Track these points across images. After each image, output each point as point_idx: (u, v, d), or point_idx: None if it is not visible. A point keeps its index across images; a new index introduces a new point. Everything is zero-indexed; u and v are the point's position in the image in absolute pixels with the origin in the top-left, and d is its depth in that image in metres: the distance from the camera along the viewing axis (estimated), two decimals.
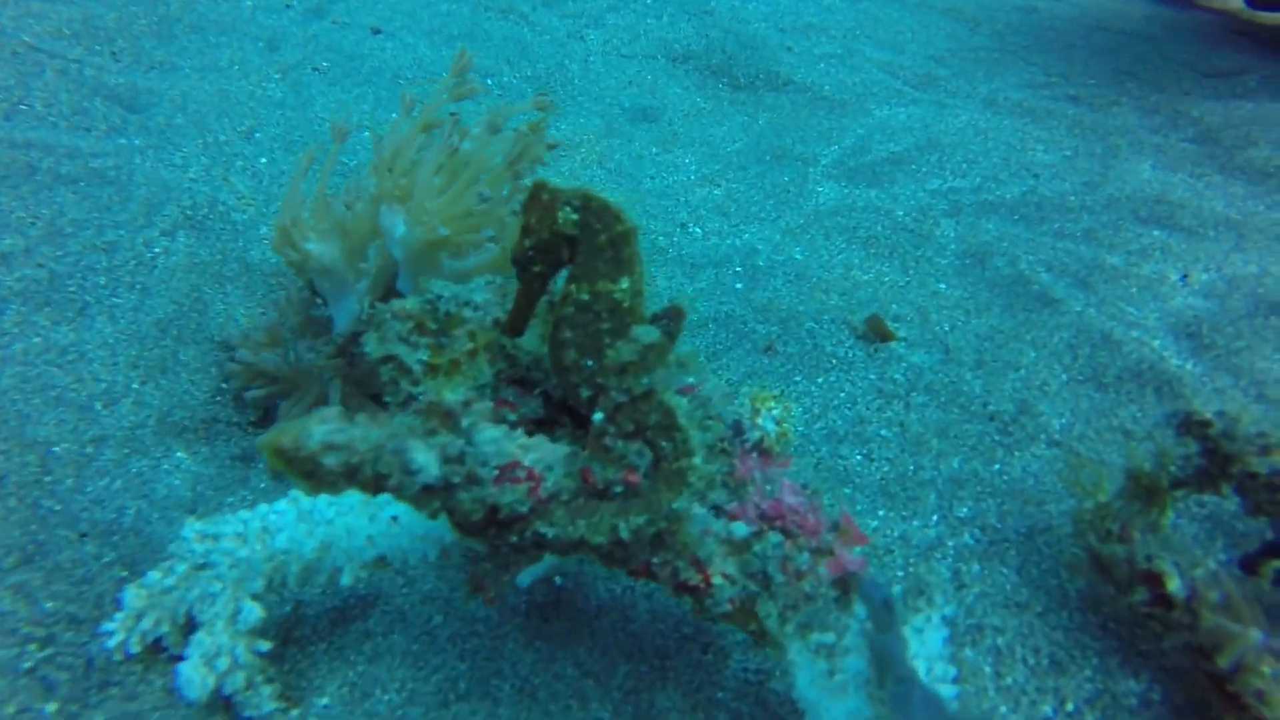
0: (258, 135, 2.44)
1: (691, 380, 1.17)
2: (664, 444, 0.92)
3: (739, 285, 2.08)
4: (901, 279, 2.11)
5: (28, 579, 1.28)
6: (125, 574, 1.30)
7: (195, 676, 1.09)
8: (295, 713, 1.18)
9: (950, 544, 1.45)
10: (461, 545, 1.11)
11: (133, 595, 1.14)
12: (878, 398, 1.75)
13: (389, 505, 1.09)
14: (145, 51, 2.71)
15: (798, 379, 1.81)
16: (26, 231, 1.91)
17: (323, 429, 0.74)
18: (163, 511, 1.44)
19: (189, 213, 2.08)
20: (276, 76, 2.74)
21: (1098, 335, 1.89)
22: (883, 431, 1.67)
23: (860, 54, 3.35)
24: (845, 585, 1.07)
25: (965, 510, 1.51)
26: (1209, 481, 1.14)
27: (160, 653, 1.19)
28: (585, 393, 1.00)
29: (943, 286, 2.08)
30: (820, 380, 1.80)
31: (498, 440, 0.86)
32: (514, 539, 0.89)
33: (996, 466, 1.59)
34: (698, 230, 2.29)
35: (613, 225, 1.00)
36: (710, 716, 1.20)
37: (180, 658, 1.14)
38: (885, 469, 1.60)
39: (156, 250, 1.96)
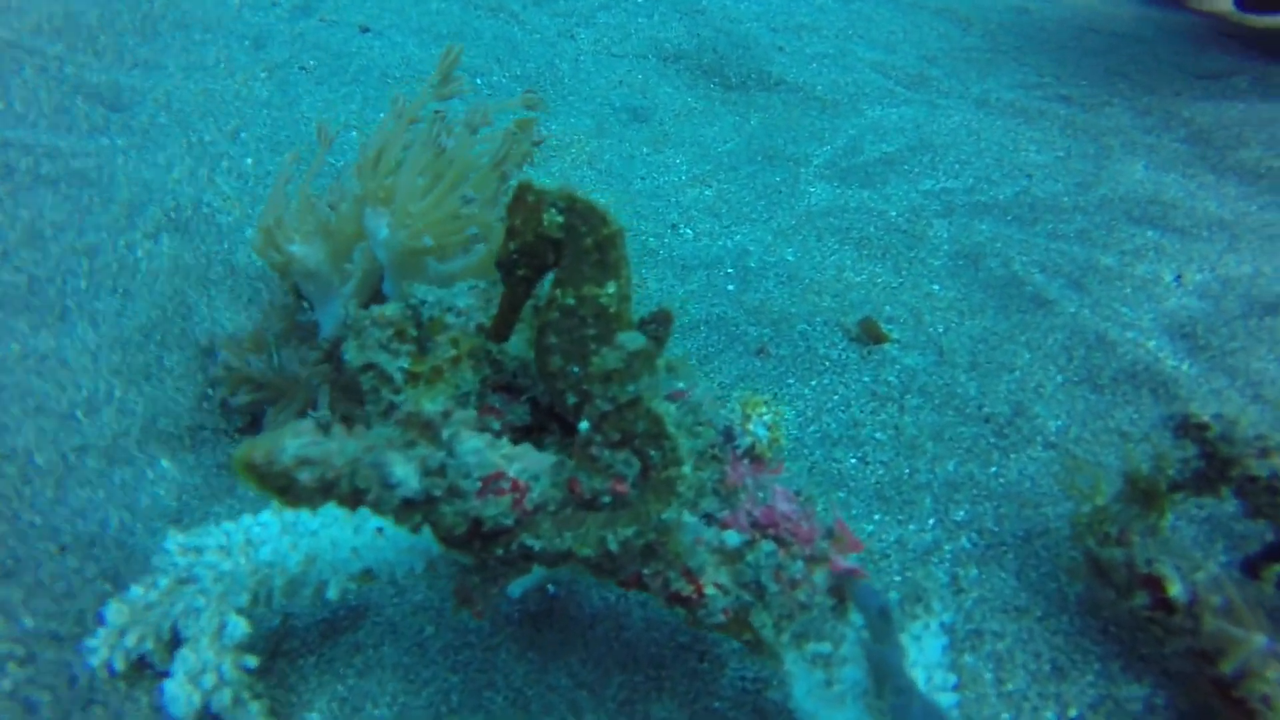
0: (243, 135, 2.41)
1: (681, 385, 1.15)
2: (652, 452, 0.90)
3: (730, 287, 2.06)
4: (894, 280, 2.09)
5: (7, 595, 1.24)
6: (108, 588, 1.27)
7: (181, 694, 1.06)
8: None
9: (947, 548, 1.43)
10: (449, 557, 1.08)
11: (115, 611, 1.11)
12: (871, 400, 1.73)
13: (374, 516, 1.07)
14: (128, 49, 2.67)
15: (790, 382, 1.79)
16: (4, 235, 1.87)
17: (296, 443, 0.72)
18: (146, 522, 1.41)
19: (172, 215, 2.05)
20: (263, 75, 2.70)
21: (1092, 336, 1.87)
22: (877, 435, 1.66)
23: (852, 54, 3.34)
24: (841, 593, 1.05)
25: (962, 514, 1.49)
26: (1208, 485, 1.13)
27: (145, 669, 1.16)
28: (571, 400, 0.98)
29: (936, 288, 2.06)
30: (813, 383, 1.78)
31: (481, 450, 0.83)
32: (500, 552, 0.87)
33: (992, 469, 1.58)
34: (689, 231, 2.27)
35: (599, 228, 0.98)
36: None
37: (166, 674, 1.11)
38: (880, 473, 1.58)
39: (139, 253, 1.92)
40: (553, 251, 1.00)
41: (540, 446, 1.08)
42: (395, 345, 0.96)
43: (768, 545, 1.00)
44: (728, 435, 1.13)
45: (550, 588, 1.34)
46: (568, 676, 1.24)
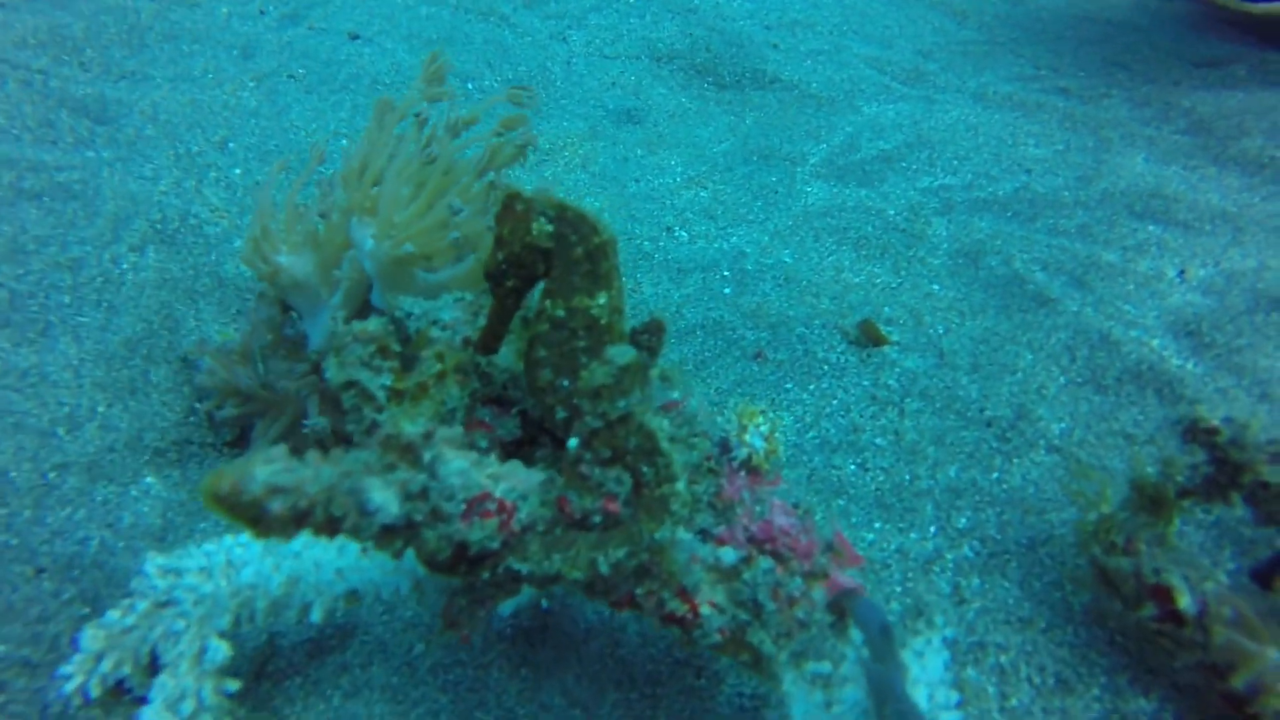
0: (231, 145, 2.38)
1: (675, 395, 1.11)
2: (645, 469, 0.87)
3: (727, 290, 2.03)
4: (893, 281, 2.06)
5: None
6: (86, 611, 1.23)
7: None
8: None
9: (949, 557, 1.40)
10: (437, 577, 1.05)
11: (90, 637, 1.08)
12: (871, 405, 1.70)
13: None
14: (115, 61, 2.64)
15: (789, 386, 1.75)
16: None
17: (267, 470, 0.68)
18: (129, 541, 1.38)
19: (159, 227, 2.02)
20: (251, 84, 2.67)
21: (1096, 336, 1.84)
22: (877, 440, 1.62)
23: (847, 50, 3.30)
24: (841, 610, 1.02)
25: (964, 521, 1.46)
26: (1218, 491, 1.10)
27: (123, 695, 1.13)
28: (561, 414, 0.95)
29: (936, 288, 2.03)
30: (812, 387, 1.75)
31: (466, 471, 0.80)
32: (487, 575, 0.84)
33: (995, 474, 1.54)
34: (684, 234, 2.24)
35: (590, 237, 0.95)
36: None
37: (144, 700, 1.08)
38: (880, 479, 1.55)
39: (124, 266, 1.89)
40: (542, 261, 0.97)
41: (531, 460, 1.05)
42: (377, 362, 0.93)
43: (765, 562, 0.97)
44: (724, 446, 1.09)
45: (543, 602, 1.31)
46: (561, 695, 1.21)
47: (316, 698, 1.20)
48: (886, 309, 1.95)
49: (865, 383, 1.75)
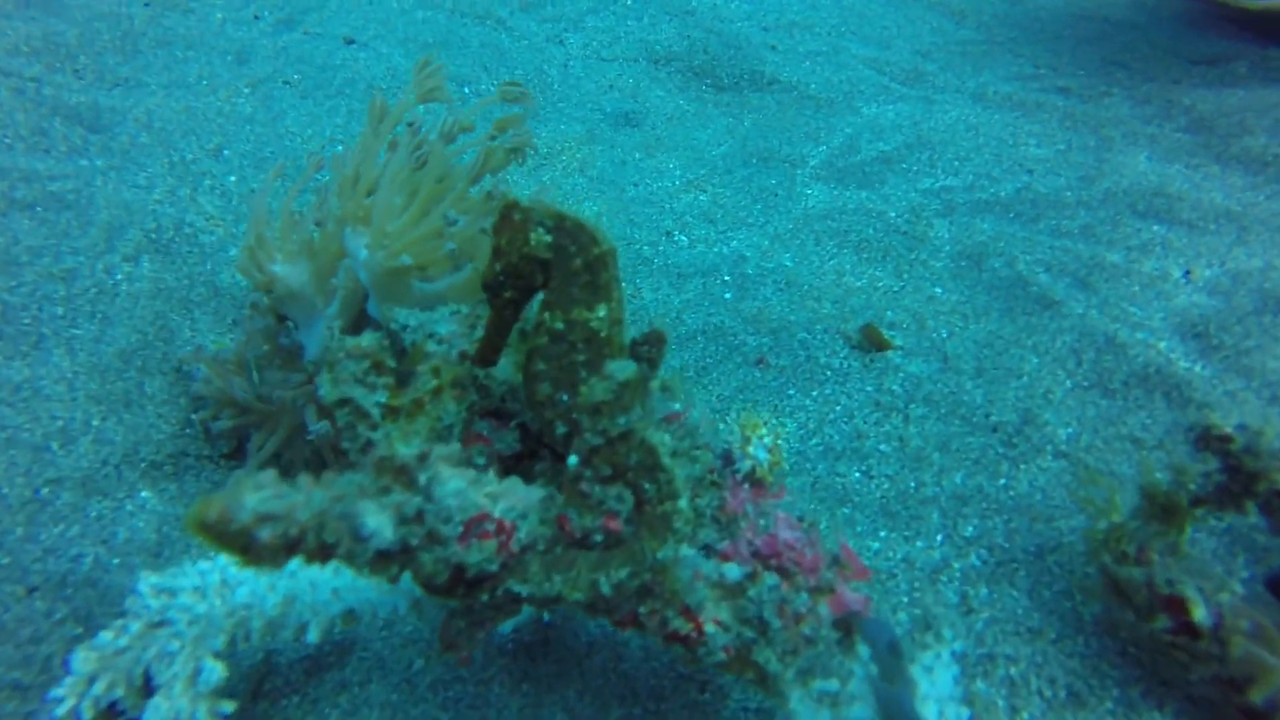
0: (226, 152, 2.36)
1: (677, 406, 1.09)
2: (646, 485, 0.85)
3: (728, 295, 2.01)
4: (896, 284, 2.04)
5: None
6: (79, 631, 1.21)
7: None
8: None
9: (956, 566, 1.38)
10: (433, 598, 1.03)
11: (82, 658, 1.06)
12: (875, 410, 1.68)
13: None
14: (109, 68, 2.62)
15: (791, 392, 1.73)
16: None
17: (256, 497, 0.66)
18: (124, 558, 1.36)
19: (153, 236, 2.00)
20: (246, 91, 2.65)
21: (1101, 338, 1.82)
22: (881, 446, 1.60)
23: (846, 51, 3.28)
24: (848, 626, 1.00)
25: (971, 529, 1.44)
26: (1231, 499, 1.07)
27: (117, 718, 1.11)
28: (561, 429, 0.93)
29: (939, 290, 2.01)
30: (815, 393, 1.73)
31: (463, 491, 0.78)
32: (485, 598, 0.82)
33: (1002, 481, 1.52)
34: (684, 238, 2.22)
35: (589, 248, 0.92)
36: None
37: None
38: (885, 486, 1.52)
39: (118, 276, 1.87)
40: (541, 272, 0.95)
41: (530, 475, 1.03)
42: (372, 378, 0.90)
43: (770, 578, 0.95)
44: (727, 459, 1.07)
45: (545, 616, 1.29)
46: (564, 711, 1.19)
47: (315, 717, 1.18)
48: (889, 313, 1.93)
49: (869, 388, 1.73)
